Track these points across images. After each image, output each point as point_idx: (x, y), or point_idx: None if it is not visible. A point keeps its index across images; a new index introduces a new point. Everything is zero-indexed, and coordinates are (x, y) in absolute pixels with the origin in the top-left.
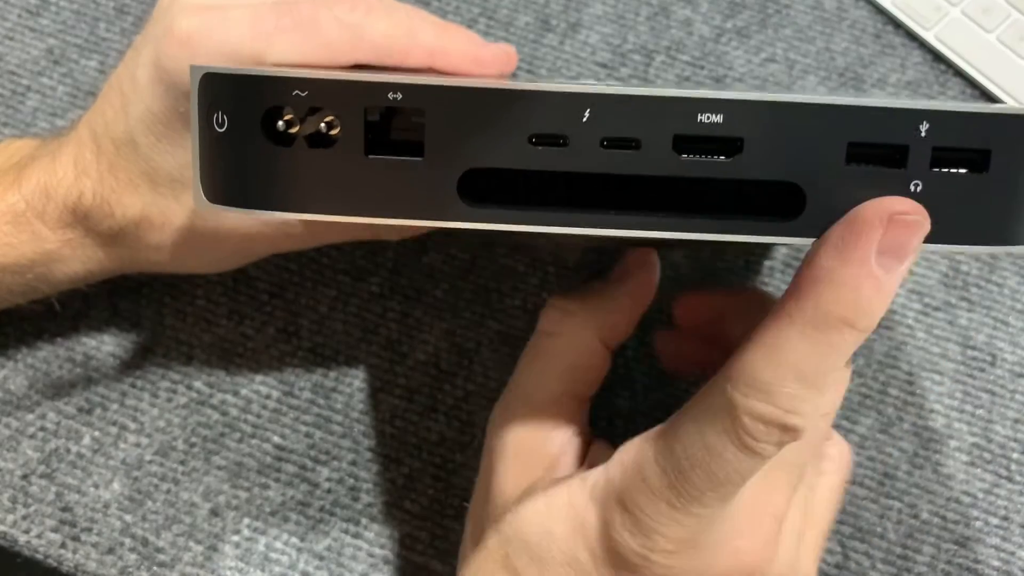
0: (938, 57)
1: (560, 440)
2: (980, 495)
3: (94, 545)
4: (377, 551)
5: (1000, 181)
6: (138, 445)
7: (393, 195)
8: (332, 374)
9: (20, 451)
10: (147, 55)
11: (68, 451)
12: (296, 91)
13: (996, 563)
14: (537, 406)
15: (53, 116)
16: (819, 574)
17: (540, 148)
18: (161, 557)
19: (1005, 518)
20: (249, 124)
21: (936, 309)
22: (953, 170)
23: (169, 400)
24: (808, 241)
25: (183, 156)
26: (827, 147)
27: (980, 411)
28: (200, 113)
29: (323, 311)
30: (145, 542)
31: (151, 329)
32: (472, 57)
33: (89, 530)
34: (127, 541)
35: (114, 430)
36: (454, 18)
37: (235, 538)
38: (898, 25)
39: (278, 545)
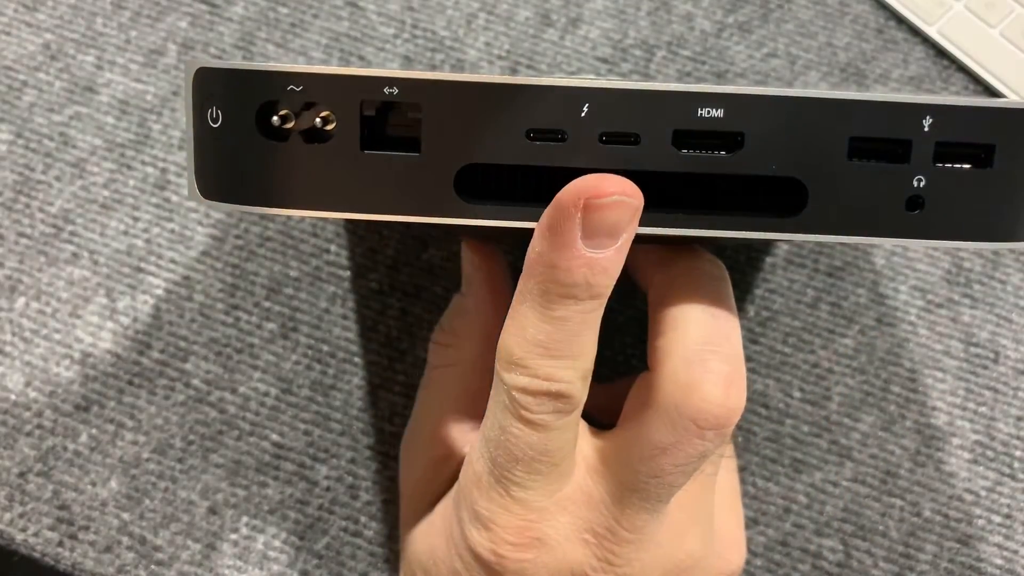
0: (941, 52)
1: (456, 464)
2: (983, 493)
3: (91, 543)
4: (377, 549)
5: (1004, 176)
6: (136, 443)
7: (389, 191)
8: (331, 372)
9: (17, 449)
10: None
11: (65, 449)
12: (291, 86)
13: (999, 561)
14: (434, 435)
15: (50, 112)
16: (821, 573)
17: (538, 143)
18: (159, 555)
19: (1008, 516)
20: (243, 119)
21: (939, 306)
22: (956, 165)
23: (167, 398)
24: (811, 238)
25: None
26: (829, 142)
27: (983, 408)
28: (194, 108)
29: (322, 308)
30: (143, 540)
31: (149, 326)
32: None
33: (86, 528)
34: (124, 539)
35: (111, 428)
36: (454, 13)
37: (233, 536)
38: (901, 20)
39: (277, 543)
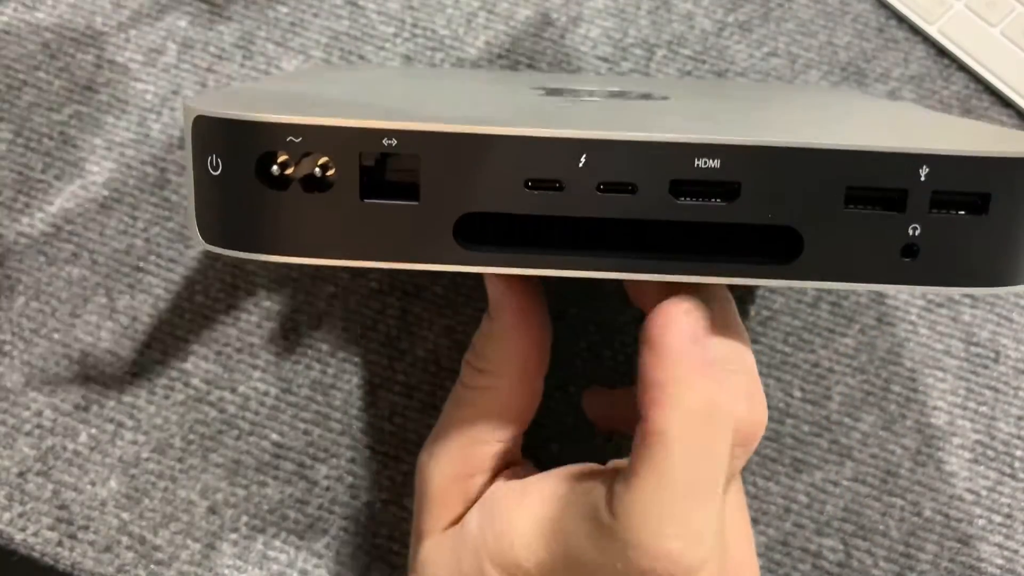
0: (941, 51)
1: (481, 482)
2: (983, 492)
3: (91, 543)
4: (376, 549)
5: (1000, 223)
6: (135, 443)
7: (389, 239)
8: (331, 371)
9: (16, 448)
10: None
11: (65, 448)
12: (290, 137)
13: (999, 561)
14: (461, 453)
15: (50, 111)
16: (822, 573)
17: (536, 192)
18: (158, 555)
19: (1008, 516)
20: (243, 168)
21: (939, 306)
22: (952, 212)
23: (166, 397)
24: (806, 284)
25: None
26: (825, 191)
27: (983, 408)
28: (195, 155)
29: (322, 307)
30: (142, 540)
31: (148, 326)
32: None
33: (86, 528)
34: (124, 539)
35: (111, 427)
36: (454, 12)
37: (233, 536)
38: (901, 19)
39: (276, 543)
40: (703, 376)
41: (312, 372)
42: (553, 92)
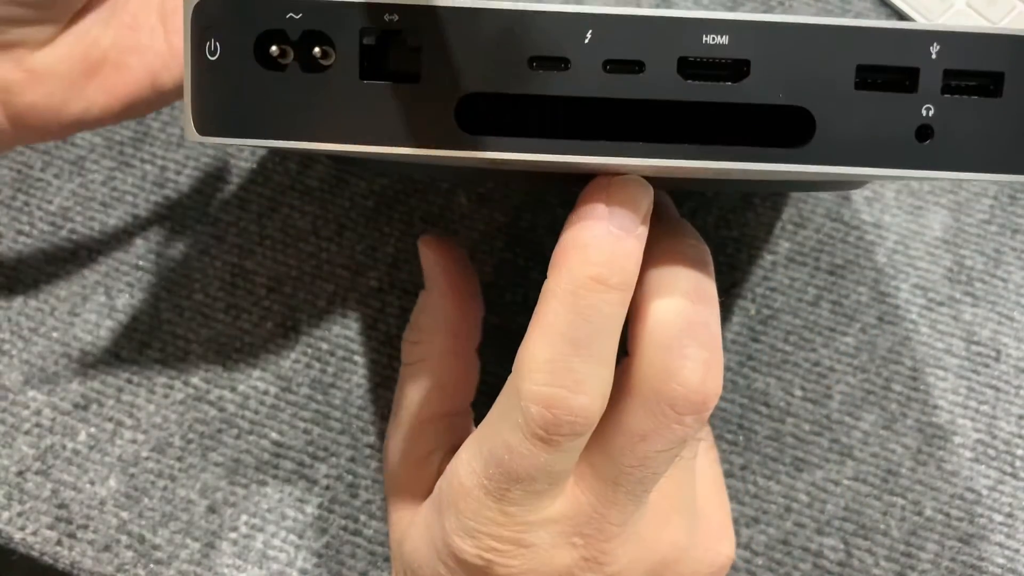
0: None
1: (439, 459)
2: (984, 492)
3: (90, 542)
4: (376, 548)
5: (1014, 106)
6: (134, 441)
7: (389, 122)
8: (330, 370)
9: (15, 447)
10: None
11: (64, 447)
12: (290, 13)
13: (1001, 560)
14: (412, 433)
15: None
16: (822, 572)
17: (540, 72)
18: (158, 554)
19: (1010, 515)
20: (242, 50)
21: (940, 304)
22: (965, 95)
23: (166, 396)
24: (819, 168)
25: None
26: (836, 70)
27: (984, 407)
28: (192, 42)
29: (321, 306)
30: (142, 539)
31: (147, 324)
32: None
33: (85, 527)
34: (123, 538)
35: (110, 426)
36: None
37: (232, 535)
38: (902, 17)
39: (276, 542)
40: (605, 248)
41: (312, 371)
42: None
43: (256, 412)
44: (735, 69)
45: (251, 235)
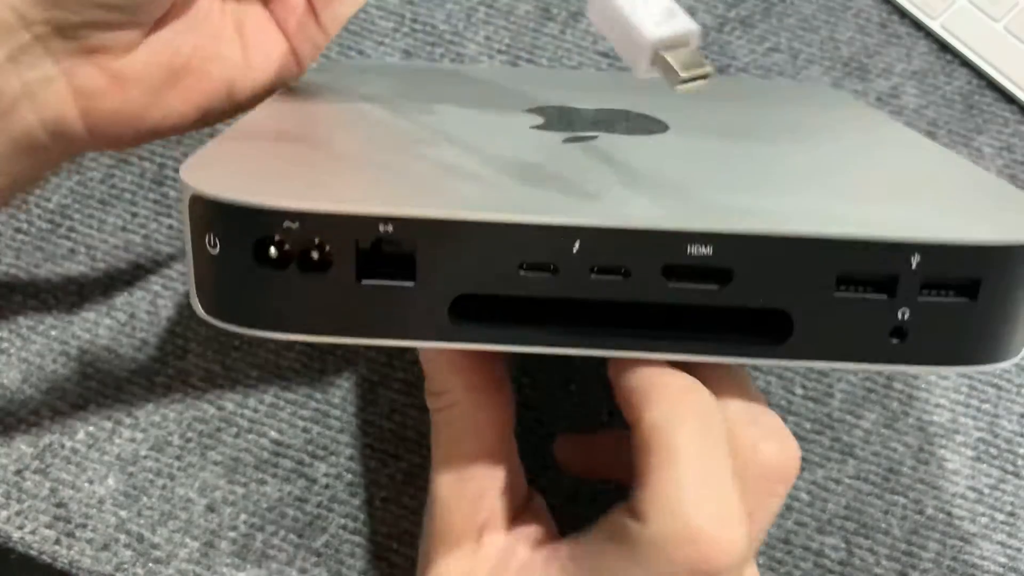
0: (944, 47)
1: (486, 505)
2: (986, 491)
3: (89, 541)
4: (376, 547)
5: (988, 307)
6: (133, 440)
7: (385, 317)
8: (330, 368)
9: (14, 446)
10: None
11: (62, 446)
12: (287, 222)
13: (1002, 559)
14: (456, 476)
15: None
16: (823, 571)
17: (530, 275)
18: (157, 553)
19: (1011, 514)
20: (241, 249)
21: None
22: (942, 296)
23: (165, 395)
24: (795, 363)
25: None
26: (816, 277)
27: (986, 406)
28: (192, 231)
29: None
30: (140, 538)
31: (146, 323)
32: None
33: (84, 526)
34: (122, 537)
35: (109, 425)
36: (453, 7)
37: (232, 534)
38: (903, 14)
39: (275, 541)
40: (689, 388)
41: (311, 370)
42: (551, 123)
43: (255, 410)
44: (718, 276)
45: None
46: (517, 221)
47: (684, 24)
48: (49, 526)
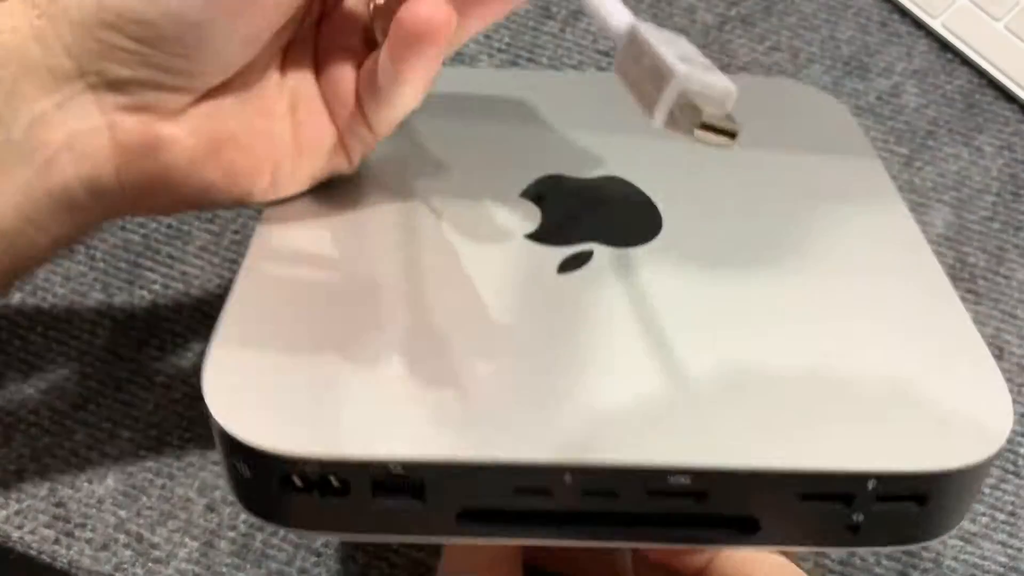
0: (945, 46)
1: None
2: (987, 490)
3: (88, 541)
4: (375, 547)
5: (935, 508)
6: (133, 440)
7: (399, 522)
8: None
9: (13, 446)
10: None
11: (62, 446)
12: (307, 465)
13: (1003, 559)
14: None
15: None
16: (824, 570)
17: (528, 496)
18: (156, 553)
19: (1012, 513)
20: (268, 477)
21: None
22: (893, 504)
23: (164, 395)
24: (764, 549)
25: None
26: (783, 495)
27: None
28: (225, 455)
29: None
30: (140, 538)
31: (145, 322)
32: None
33: (83, 526)
34: (122, 537)
35: (108, 425)
36: None
37: (231, 534)
38: (904, 13)
39: (275, 541)
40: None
41: None
42: (546, 228)
43: None
44: (696, 495)
45: (250, 232)
46: (516, 461)
47: (723, 81)
48: (48, 526)
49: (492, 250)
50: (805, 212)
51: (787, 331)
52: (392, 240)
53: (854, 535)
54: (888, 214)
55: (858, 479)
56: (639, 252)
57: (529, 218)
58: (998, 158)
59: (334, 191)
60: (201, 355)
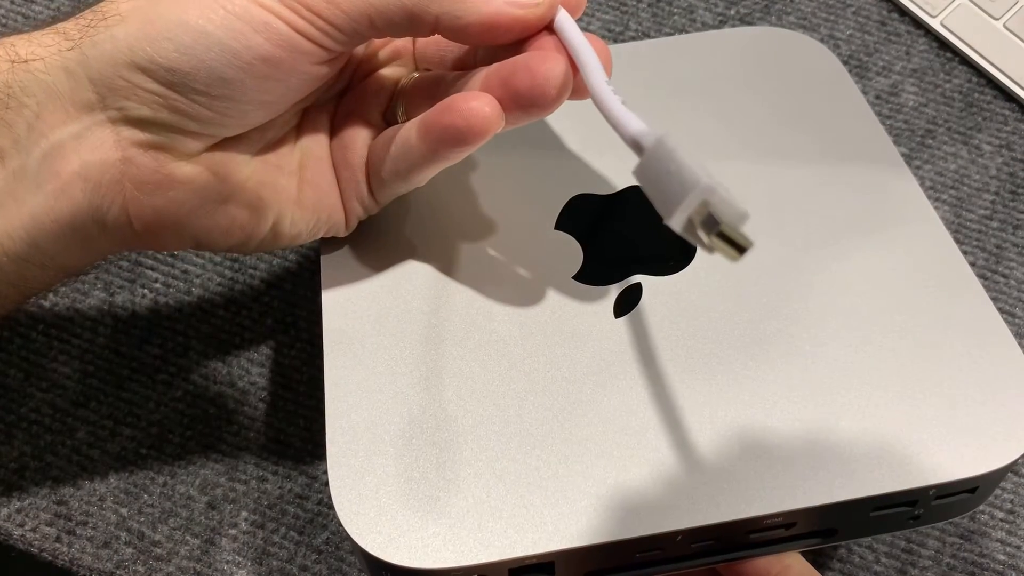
0: (944, 45)
1: None
2: None
3: (89, 539)
4: None
5: (983, 494)
6: (134, 438)
7: None
8: None
9: (15, 444)
10: None
11: (63, 444)
12: (453, 574)
13: (1002, 557)
14: None
15: None
16: (823, 569)
17: (644, 555)
18: (157, 551)
19: (1011, 511)
20: None
21: None
22: (950, 498)
23: (165, 392)
24: (841, 544)
25: None
26: (857, 513)
27: None
28: (367, 568)
29: (321, 302)
30: (141, 536)
31: (147, 320)
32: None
33: (84, 524)
34: (123, 535)
35: (109, 423)
36: None
37: (232, 531)
38: (903, 12)
39: (276, 539)
40: None
41: (311, 367)
42: (588, 267)
43: (256, 408)
44: (786, 527)
45: None
46: (634, 536)
47: (740, 202)
48: (50, 524)
49: (549, 302)
50: (828, 214)
51: (836, 363)
52: (457, 303)
53: (915, 522)
54: (920, 223)
55: (921, 491)
56: (680, 281)
57: (570, 260)
58: (997, 157)
59: (384, 226)
60: (201, 354)
